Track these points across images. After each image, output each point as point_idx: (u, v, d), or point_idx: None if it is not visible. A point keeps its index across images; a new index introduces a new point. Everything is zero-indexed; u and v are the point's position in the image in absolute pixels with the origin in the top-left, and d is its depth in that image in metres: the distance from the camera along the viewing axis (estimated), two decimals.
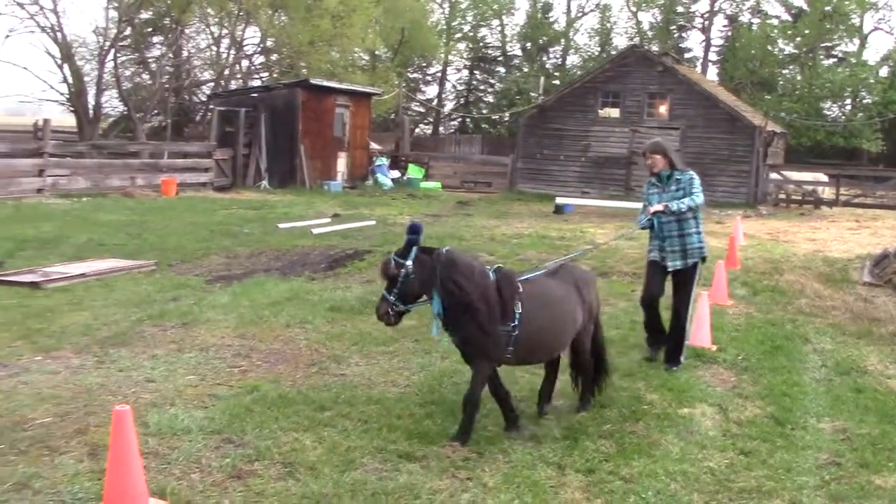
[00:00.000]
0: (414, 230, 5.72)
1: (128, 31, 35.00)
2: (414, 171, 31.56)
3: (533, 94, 41.75)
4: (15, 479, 4.83)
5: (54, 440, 5.43)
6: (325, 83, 28.87)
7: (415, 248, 5.63)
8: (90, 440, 5.44)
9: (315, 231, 16.02)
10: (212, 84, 37.60)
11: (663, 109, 28.65)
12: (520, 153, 30.47)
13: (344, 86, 30.18)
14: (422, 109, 53.78)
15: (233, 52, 38.27)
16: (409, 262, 5.56)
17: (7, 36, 61.03)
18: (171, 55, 37.23)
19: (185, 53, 38.93)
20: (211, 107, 30.90)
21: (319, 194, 25.64)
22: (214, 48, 39.19)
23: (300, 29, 34.89)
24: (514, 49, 55.52)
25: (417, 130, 50.13)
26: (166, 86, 35.44)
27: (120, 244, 13.68)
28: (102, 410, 5.98)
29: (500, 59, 55.67)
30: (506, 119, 46.70)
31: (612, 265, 13.06)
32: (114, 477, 4.42)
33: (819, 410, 6.76)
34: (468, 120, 52.07)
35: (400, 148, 34.41)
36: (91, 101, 34.55)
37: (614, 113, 29.34)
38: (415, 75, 54.29)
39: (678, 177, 7.70)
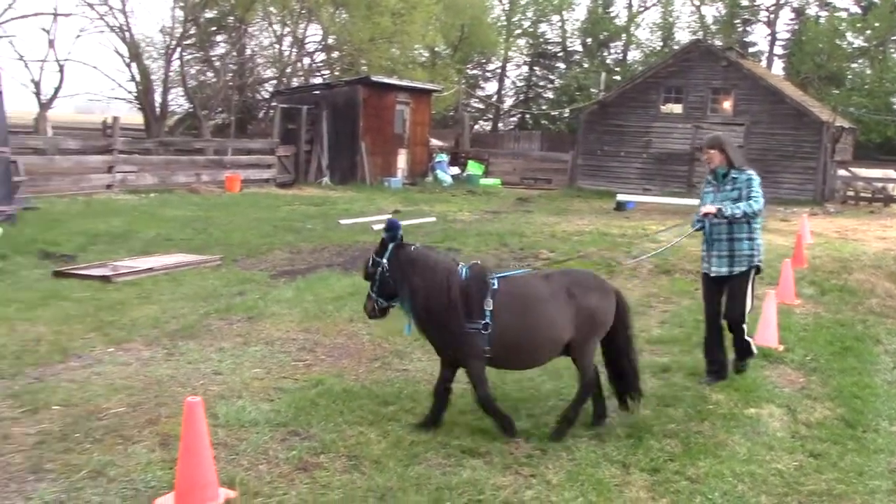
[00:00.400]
0: (390, 227, 5.77)
1: (193, 30, 35.65)
2: (473, 168, 31.57)
3: (593, 90, 41.34)
4: (90, 466, 4.97)
5: (127, 430, 5.57)
6: (386, 80, 29.07)
7: (391, 246, 5.71)
8: (161, 430, 5.57)
9: (376, 227, 16.12)
10: (274, 82, 38.11)
11: (727, 105, 28.21)
12: (580, 149, 30.29)
13: (404, 83, 30.34)
14: (481, 106, 53.74)
15: (295, 49, 38.72)
16: (384, 260, 5.69)
17: (78, 36, 62.61)
18: (234, 53, 37.85)
19: (248, 51, 39.54)
20: (273, 104, 31.32)
21: (380, 191, 25.83)
22: (277, 46, 39.72)
23: (361, 26, 35.16)
24: (575, 45, 55.15)
25: (477, 127, 50.12)
26: (230, 83, 36.02)
27: (186, 239, 13.96)
28: (173, 401, 6.12)
29: (560, 54, 55.32)
30: (565, 115, 46.41)
31: (675, 263, 12.89)
32: (185, 466, 4.52)
33: (891, 413, 6.59)
34: (527, 116, 51.84)
35: (460, 144, 34.45)
36: (158, 99, 35.31)
37: (677, 108, 28.98)
38: (474, 72, 54.26)
39: (734, 175, 7.00)
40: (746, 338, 7.28)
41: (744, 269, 7.00)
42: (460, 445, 5.47)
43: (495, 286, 5.63)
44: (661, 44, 52.28)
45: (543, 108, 51.17)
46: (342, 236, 14.88)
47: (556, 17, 54.83)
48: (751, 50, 48.40)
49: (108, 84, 58.21)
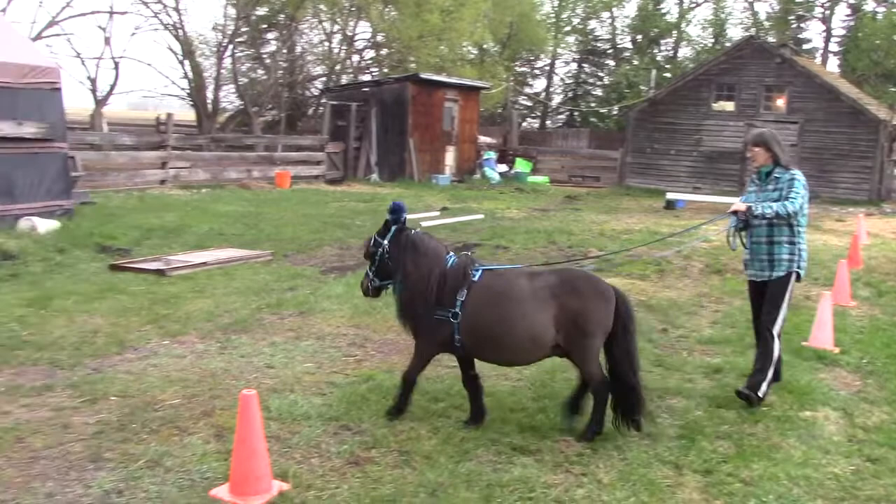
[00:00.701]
0: (394, 210, 5.86)
1: (245, 28, 36.06)
2: (521, 165, 31.48)
3: (643, 88, 40.96)
4: (148, 456, 5.07)
5: (182, 421, 5.67)
6: (435, 77, 29.13)
7: (394, 229, 5.84)
8: (216, 422, 5.66)
9: (424, 224, 16.17)
10: (323, 79, 38.38)
11: (781, 102, 27.72)
12: (629, 147, 30.03)
13: (453, 80, 30.36)
14: (529, 103, 53.54)
15: (344, 47, 38.96)
16: (385, 242, 5.84)
17: (133, 33, 63.76)
18: (285, 51, 38.17)
19: (298, 49, 39.86)
20: (323, 101, 31.56)
21: (427, 188, 25.88)
22: (326, 43, 39.99)
23: (410, 24, 35.23)
24: (625, 41, 54.65)
25: (524, 124, 49.95)
26: (280, 81, 36.36)
27: (238, 234, 14.15)
28: (226, 394, 6.23)
29: (609, 51, 54.87)
30: (614, 113, 46.03)
31: (726, 262, 12.74)
32: (240, 458, 4.59)
33: None
34: (576, 114, 51.52)
35: (508, 142, 34.38)
36: (210, 95, 35.79)
37: (728, 106, 28.56)
38: (522, 69, 54.07)
39: (777, 175, 6.58)
40: (769, 362, 6.52)
41: (782, 274, 6.57)
42: (510, 443, 5.47)
43: (475, 278, 5.68)
44: (712, 40, 51.57)
45: (592, 105, 50.83)
46: None
47: (605, 14, 54.39)
48: (805, 47, 47.51)
49: (161, 81, 58.92)
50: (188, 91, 36.46)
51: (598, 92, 54.08)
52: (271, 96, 35.97)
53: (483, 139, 32.65)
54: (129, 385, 6.36)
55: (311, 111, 40.38)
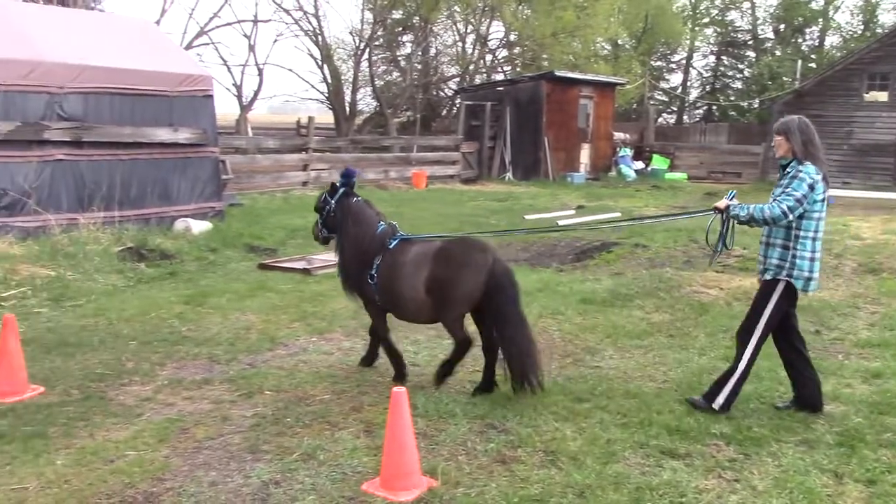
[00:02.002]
0: (346, 175, 6.81)
1: (381, 31, 36.82)
2: (658, 162, 30.84)
3: (786, 79, 39.33)
4: (302, 449, 5.26)
5: (333, 416, 5.85)
6: (570, 74, 28.91)
7: (341, 191, 6.74)
8: (365, 417, 5.81)
9: (561, 223, 16.09)
10: (457, 79, 38.73)
11: None
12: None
13: (588, 77, 30.05)
14: (665, 98, 52.34)
15: (477, 47, 39.19)
16: (332, 201, 6.76)
17: (275, 40, 66.11)
18: (419, 52, 38.74)
19: (432, 50, 40.39)
20: (457, 101, 31.84)
21: (562, 186, 25.72)
22: (460, 44, 40.35)
23: (543, 21, 35.10)
24: (766, 31, 52.58)
25: (661, 120, 48.85)
26: (415, 82, 36.92)
27: None
28: (373, 390, 6.39)
29: (750, 42, 52.93)
30: (755, 106, 44.39)
31: (882, 261, 12.09)
32: (391, 454, 4.70)
33: None
34: (714, 108, 49.97)
35: (644, 138, 33.73)
36: (347, 98, 36.71)
37: (882, 96, 27.06)
38: (658, 63, 52.89)
39: (789, 170, 5.84)
40: (736, 373, 5.93)
41: (768, 279, 5.91)
42: (659, 446, 5.37)
43: (391, 246, 6.43)
44: (861, 27, 48.97)
45: (732, 99, 49.19)
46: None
47: (746, 4, 52.50)
48: None
49: (301, 85, 61.02)
50: (327, 94, 37.52)
51: (738, 85, 52.27)
52: (406, 98, 36.57)
53: (618, 136, 32.14)
54: (281, 380, 6.62)
55: (444, 111, 40.84)
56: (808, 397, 6.06)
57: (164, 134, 13.58)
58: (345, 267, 6.73)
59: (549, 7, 35.35)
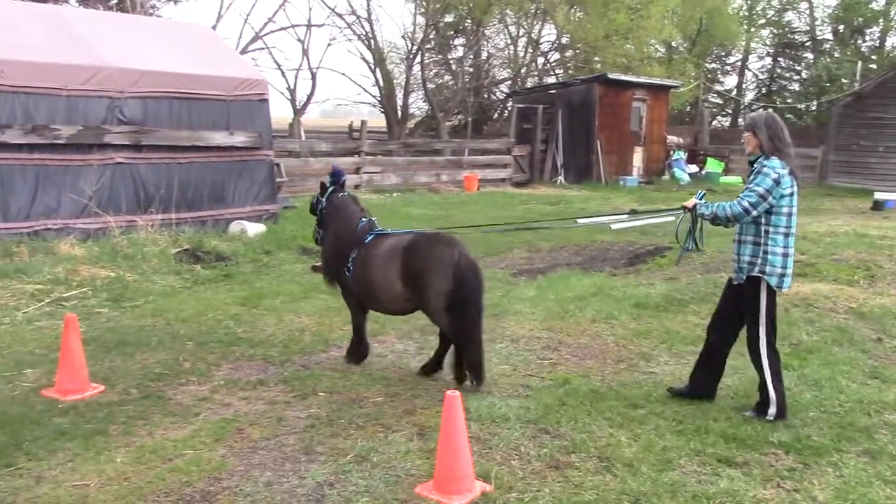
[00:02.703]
0: (334, 174, 7.25)
1: (433, 35, 36.91)
2: (713, 165, 30.39)
3: (845, 81, 38.51)
4: (356, 451, 5.29)
5: (386, 418, 5.88)
6: (623, 77, 28.65)
7: (330, 189, 7.18)
8: (418, 420, 5.83)
9: (614, 227, 15.95)
10: (508, 82, 38.66)
11: None
12: (832, 144, 28.31)
13: (641, 79, 29.74)
14: (720, 101, 51.63)
15: (529, 50, 39.08)
16: (323, 200, 7.21)
17: (328, 45, 66.75)
18: (471, 56, 38.74)
19: (484, 53, 40.34)
20: (509, 104, 31.79)
21: (615, 189, 25.51)
22: (512, 47, 40.24)
23: (596, 24, 34.83)
24: (825, 32, 51.55)
25: (715, 123, 48.19)
26: (467, 85, 36.94)
27: None
28: (426, 393, 6.41)
29: (807, 44, 51.97)
30: (813, 108, 43.54)
31: None
32: (444, 457, 4.70)
33: None
34: (771, 110, 49.13)
35: (698, 141, 33.29)
36: (399, 101, 36.87)
37: None
38: (713, 65, 52.18)
39: (756, 165, 5.82)
40: (767, 380, 5.89)
41: (743, 278, 5.89)
42: (715, 454, 5.29)
43: (367, 241, 6.81)
44: None
45: (789, 101, 48.34)
46: (579, 235, 14.84)
47: (804, 5, 51.56)
48: None
49: (353, 89, 61.52)
50: (379, 98, 37.73)
51: (795, 87, 51.36)
52: (458, 101, 36.60)
53: (672, 139, 31.76)
54: (335, 382, 6.67)
55: (496, 115, 40.78)
56: (705, 385, 6.26)
57: (220, 137, 13.78)
58: (326, 258, 7.17)
59: (602, 9, 35.06)
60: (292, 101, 36.04)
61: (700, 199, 6.20)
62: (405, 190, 22.38)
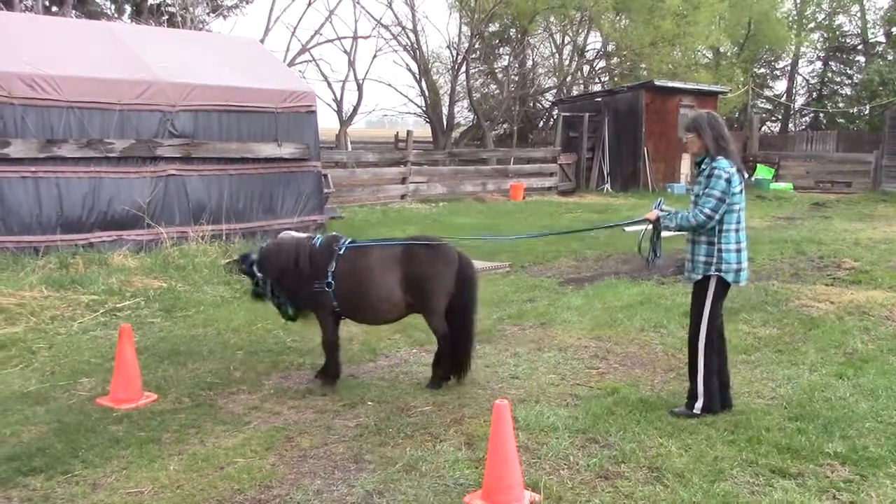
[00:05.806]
0: (242, 261, 7.15)
1: (478, 45, 37.01)
2: (763, 172, 29.98)
3: None
4: (404, 460, 5.30)
5: (434, 428, 5.88)
6: (670, 84, 28.41)
7: (253, 267, 6.94)
8: (466, 430, 5.82)
9: (663, 235, 15.77)
10: (554, 91, 38.58)
11: None
12: (886, 149, 27.74)
13: (689, 86, 29.48)
14: (769, 106, 50.91)
15: (575, 58, 38.98)
16: (259, 275, 6.91)
17: (374, 56, 67.25)
18: (516, 65, 38.76)
19: (529, 62, 40.33)
20: (554, 113, 31.71)
21: (662, 197, 25.20)
22: (557, 56, 40.19)
23: (642, 31, 34.66)
24: (877, 35, 50.59)
25: (764, 128, 47.52)
26: (512, 94, 36.95)
27: (475, 246, 14.45)
28: (474, 402, 6.40)
29: (859, 47, 51.03)
30: (866, 113, 42.73)
31: None
32: (493, 466, 4.68)
33: None
34: (821, 115, 48.33)
35: (748, 148, 32.86)
36: (444, 111, 37.02)
37: None
38: (762, 70, 51.50)
39: (704, 167, 5.90)
40: (699, 376, 6.00)
41: (699, 277, 5.99)
42: (768, 464, 5.20)
43: (341, 252, 6.63)
44: None
45: (840, 105, 47.51)
46: (627, 244, 14.71)
47: (854, 8, 50.66)
48: None
49: (399, 100, 61.96)
50: (424, 108, 37.92)
51: (847, 91, 50.45)
52: (503, 110, 36.63)
53: None
54: (383, 391, 6.70)
55: (541, 123, 40.72)
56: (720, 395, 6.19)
57: (269, 149, 13.97)
58: (289, 293, 6.82)
59: (648, 16, 34.87)
60: (339, 112, 36.40)
61: (658, 208, 6.29)
62: (451, 199, 22.43)
